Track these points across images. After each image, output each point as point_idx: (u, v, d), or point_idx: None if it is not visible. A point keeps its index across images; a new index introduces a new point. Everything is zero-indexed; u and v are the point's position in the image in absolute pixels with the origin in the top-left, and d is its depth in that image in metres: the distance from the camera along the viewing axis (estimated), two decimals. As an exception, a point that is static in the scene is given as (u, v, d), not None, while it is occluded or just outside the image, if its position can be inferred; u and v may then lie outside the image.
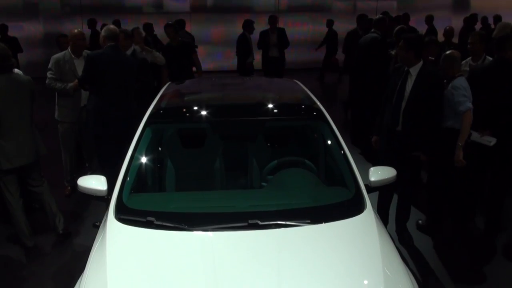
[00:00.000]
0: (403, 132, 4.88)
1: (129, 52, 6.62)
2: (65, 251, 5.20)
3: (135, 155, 3.71)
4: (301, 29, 16.55)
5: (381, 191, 4.59)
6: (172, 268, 2.84)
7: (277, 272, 2.77)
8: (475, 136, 4.94)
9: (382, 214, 5.11)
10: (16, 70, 5.21)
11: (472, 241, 5.41)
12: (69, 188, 6.51)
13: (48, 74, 6.05)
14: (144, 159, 3.86)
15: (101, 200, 3.52)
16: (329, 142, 4.03)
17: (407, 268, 3.06)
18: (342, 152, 3.78)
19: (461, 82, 4.81)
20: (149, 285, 2.74)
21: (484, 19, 13.16)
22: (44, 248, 5.27)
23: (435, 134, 4.87)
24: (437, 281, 4.66)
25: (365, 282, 2.80)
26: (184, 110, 4.39)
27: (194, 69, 8.69)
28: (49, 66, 6.07)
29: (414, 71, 4.82)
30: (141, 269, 2.85)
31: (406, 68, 4.87)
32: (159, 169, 4.24)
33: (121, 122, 5.58)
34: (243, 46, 10.45)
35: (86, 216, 5.95)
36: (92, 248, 3.19)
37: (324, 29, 14.75)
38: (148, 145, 3.95)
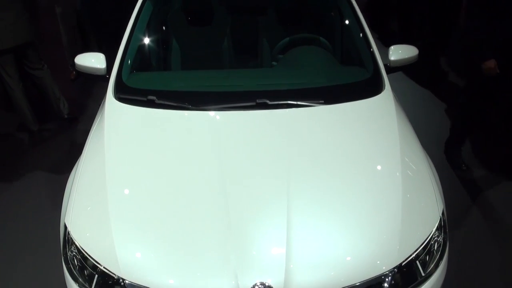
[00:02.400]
0: None
1: None
2: (70, 136, 5.12)
3: (135, 31, 3.40)
4: None
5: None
6: (173, 148, 2.66)
7: (286, 152, 2.57)
8: None
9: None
10: None
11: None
12: (73, 72, 6.28)
13: None
14: (145, 36, 3.56)
15: (101, 79, 3.28)
16: (347, 19, 3.67)
17: (426, 155, 2.85)
18: (360, 29, 3.43)
19: None
20: (148, 166, 2.58)
21: None
22: (49, 133, 5.20)
23: None
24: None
25: (380, 166, 2.60)
26: None
27: None
28: None
29: None
30: (141, 150, 2.68)
31: None
32: (162, 48, 3.94)
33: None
34: None
35: (93, 100, 5.76)
36: (91, 130, 3.01)
37: None
38: (150, 21, 3.62)
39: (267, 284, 2.07)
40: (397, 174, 2.53)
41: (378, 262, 2.18)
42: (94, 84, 5.98)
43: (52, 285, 3.33)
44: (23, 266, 3.55)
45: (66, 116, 5.26)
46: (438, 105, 5.65)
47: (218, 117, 2.81)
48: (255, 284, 2.07)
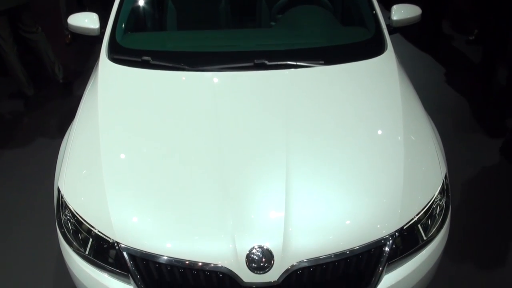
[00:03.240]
0: None
1: None
2: (66, 100, 5.04)
3: None
4: None
5: None
6: (169, 110, 2.58)
7: (285, 114, 2.50)
8: None
9: None
10: None
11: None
12: (69, 36, 6.16)
13: None
14: None
15: (94, 40, 3.18)
16: None
17: (429, 118, 2.77)
18: None
19: None
20: (143, 128, 2.51)
21: None
22: (45, 98, 5.14)
23: None
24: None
25: (381, 129, 2.53)
26: None
27: None
28: None
29: None
30: (135, 112, 2.60)
31: None
32: (158, 8, 3.81)
33: None
34: None
35: (89, 65, 5.66)
36: (84, 92, 2.93)
37: None
38: None
39: (265, 248, 2.02)
40: (399, 137, 2.46)
41: (378, 226, 2.13)
42: (90, 48, 5.87)
43: (47, 250, 3.30)
44: (17, 230, 3.52)
45: (61, 81, 5.17)
46: (439, 69, 5.56)
47: (215, 78, 2.73)
48: (253, 248, 2.02)
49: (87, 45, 5.91)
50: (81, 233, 2.24)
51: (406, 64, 3.02)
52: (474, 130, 4.53)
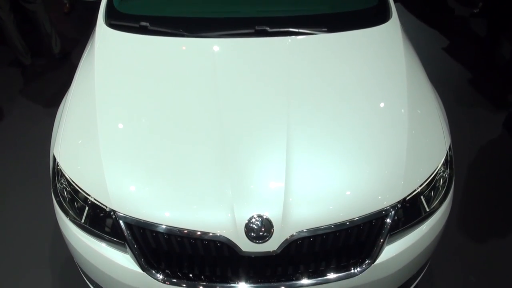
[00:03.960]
0: None
1: None
2: (63, 70, 4.99)
3: None
4: None
5: None
6: (167, 78, 2.51)
7: (287, 82, 2.43)
8: None
9: None
10: None
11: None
12: (67, 5, 6.04)
13: None
14: None
15: (94, 5, 3.09)
16: None
17: (433, 88, 2.71)
18: None
19: None
20: (140, 95, 2.44)
21: None
22: (42, 67, 5.07)
23: None
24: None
25: (385, 99, 2.45)
26: None
27: None
28: None
29: None
30: (132, 79, 2.53)
31: None
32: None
33: None
34: None
35: (88, 34, 5.55)
36: (81, 59, 2.86)
37: None
38: None
39: (264, 217, 1.97)
40: (403, 107, 2.40)
41: (379, 197, 2.08)
42: (89, 16, 5.75)
43: (43, 219, 3.27)
44: (14, 199, 3.50)
45: (57, 56, 5.11)
46: (442, 42, 5.47)
47: (214, 44, 2.65)
48: (252, 217, 1.97)
49: (86, 13, 5.79)
50: (77, 201, 2.20)
51: (409, 36, 2.95)
52: (477, 104, 4.46)
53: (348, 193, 2.07)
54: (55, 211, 2.34)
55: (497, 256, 3.09)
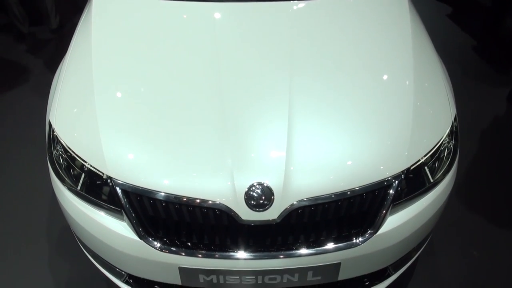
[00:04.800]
0: None
1: None
2: (62, 40, 4.90)
3: None
4: None
5: None
6: (166, 42, 2.44)
7: (289, 47, 2.37)
8: None
9: None
10: None
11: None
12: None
13: None
14: None
15: None
16: None
17: (440, 58, 2.64)
18: None
19: None
20: (138, 61, 2.38)
21: None
22: (40, 37, 5.01)
23: None
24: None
25: (391, 67, 2.38)
26: None
27: None
28: None
29: None
30: (130, 43, 2.46)
31: None
32: None
33: None
34: None
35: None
36: (78, 23, 2.78)
37: None
38: None
39: (265, 185, 1.93)
40: (409, 75, 2.34)
41: (381, 167, 2.03)
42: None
43: (40, 188, 3.24)
44: (10, 167, 3.48)
45: (55, 28, 5.03)
46: (446, 10, 5.38)
47: (215, 9, 2.57)
48: (252, 185, 1.93)
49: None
50: (73, 169, 2.15)
51: (413, 2, 2.87)
52: (480, 77, 4.40)
53: (349, 163, 2.02)
54: (51, 179, 2.29)
55: (500, 230, 3.07)
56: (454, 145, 2.30)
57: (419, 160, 2.11)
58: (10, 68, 4.55)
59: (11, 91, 4.24)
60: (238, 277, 2.07)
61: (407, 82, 2.31)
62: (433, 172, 2.18)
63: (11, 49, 4.82)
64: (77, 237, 2.41)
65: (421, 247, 2.47)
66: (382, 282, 2.34)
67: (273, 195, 1.92)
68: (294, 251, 2.00)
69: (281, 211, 1.93)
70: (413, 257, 2.44)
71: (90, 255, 2.43)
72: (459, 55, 4.68)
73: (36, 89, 4.20)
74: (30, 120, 3.83)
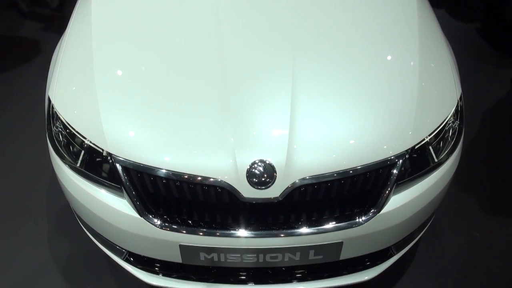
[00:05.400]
0: None
1: None
2: (64, 20, 4.84)
3: None
4: None
5: None
6: (168, 19, 2.40)
7: (293, 25, 2.32)
8: None
9: None
10: None
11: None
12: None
13: None
14: None
15: None
16: None
17: (445, 37, 2.59)
18: None
19: None
20: (139, 36, 2.33)
21: None
22: (41, 15, 4.95)
23: None
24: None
25: (396, 45, 2.34)
26: None
27: None
28: None
29: None
30: (132, 20, 2.41)
31: None
32: None
33: None
34: None
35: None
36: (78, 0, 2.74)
37: None
38: None
39: (267, 162, 1.90)
40: (415, 54, 2.30)
41: (385, 146, 2.01)
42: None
43: (40, 166, 3.22)
44: (9, 144, 3.46)
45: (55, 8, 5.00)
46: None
47: None
48: (254, 162, 1.90)
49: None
50: (72, 145, 2.12)
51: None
52: (484, 60, 4.35)
53: (352, 142, 1.99)
54: (50, 156, 2.27)
55: (503, 212, 3.05)
56: (459, 125, 2.27)
57: (423, 140, 2.08)
58: (11, 46, 4.51)
59: (12, 69, 4.19)
60: (239, 255, 2.06)
61: (412, 61, 2.27)
62: (437, 152, 2.15)
63: (11, 28, 4.77)
64: (76, 214, 2.40)
65: (424, 228, 2.45)
66: (385, 262, 2.33)
67: (275, 173, 1.90)
68: (295, 230, 1.98)
69: (283, 189, 1.91)
70: (415, 238, 2.43)
71: (90, 233, 2.41)
72: (463, 37, 4.62)
73: (36, 67, 4.16)
74: (31, 97, 3.80)
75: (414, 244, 2.46)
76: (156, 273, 2.28)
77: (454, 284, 2.68)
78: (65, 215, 2.93)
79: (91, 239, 2.44)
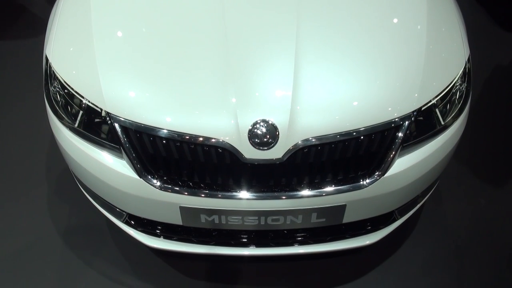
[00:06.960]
0: None
1: None
2: None
3: None
4: None
5: None
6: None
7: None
8: None
9: None
10: None
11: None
12: None
13: None
14: None
15: None
16: None
17: (455, 2, 2.51)
18: None
19: None
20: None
21: None
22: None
23: None
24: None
25: (402, 7, 2.26)
26: None
27: None
28: None
29: None
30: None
31: None
32: None
33: None
34: None
35: None
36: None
37: None
38: None
39: (270, 122, 1.85)
40: (422, 17, 2.23)
41: (389, 108, 1.96)
42: None
43: (39, 129, 3.18)
44: (7, 107, 3.41)
45: None
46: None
47: None
48: (257, 122, 1.85)
49: None
50: (71, 105, 2.07)
51: None
52: (494, 21, 4.26)
53: (355, 103, 1.94)
54: (48, 116, 2.23)
55: (509, 180, 3.01)
56: (467, 87, 2.22)
57: (430, 101, 2.03)
58: (7, 7, 4.41)
59: (9, 30, 4.13)
60: (240, 218, 2.03)
61: (419, 25, 2.20)
62: (444, 115, 2.11)
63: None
64: (76, 177, 2.37)
65: (428, 193, 2.42)
66: (388, 227, 2.30)
67: (278, 134, 1.85)
68: (298, 192, 1.95)
69: (286, 150, 1.87)
70: (419, 203, 2.40)
71: (90, 196, 2.38)
72: (467, 11, 4.52)
73: (34, 27, 4.09)
74: (29, 59, 3.74)
75: (417, 210, 2.43)
76: (157, 235, 2.26)
77: (457, 251, 2.65)
78: (65, 178, 2.90)
79: (90, 202, 2.41)
